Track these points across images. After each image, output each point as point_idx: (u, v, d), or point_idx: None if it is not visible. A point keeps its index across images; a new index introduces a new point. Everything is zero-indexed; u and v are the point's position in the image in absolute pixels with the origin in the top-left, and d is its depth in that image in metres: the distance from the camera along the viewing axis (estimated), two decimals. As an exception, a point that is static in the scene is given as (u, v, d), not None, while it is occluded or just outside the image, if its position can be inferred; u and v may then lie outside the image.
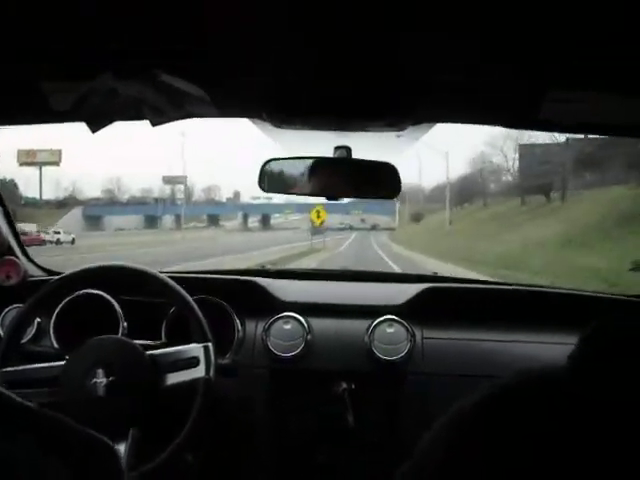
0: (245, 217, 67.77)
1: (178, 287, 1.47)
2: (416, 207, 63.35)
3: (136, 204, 57.84)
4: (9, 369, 1.42)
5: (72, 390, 1.35)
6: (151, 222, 57.47)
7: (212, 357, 1.38)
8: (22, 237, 2.09)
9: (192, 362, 1.38)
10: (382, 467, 1.69)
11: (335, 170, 1.47)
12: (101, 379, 1.33)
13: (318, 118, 1.34)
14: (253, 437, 1.76)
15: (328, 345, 1.79)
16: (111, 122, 1.33)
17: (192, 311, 1.44)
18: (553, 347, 1.74)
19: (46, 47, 1.00)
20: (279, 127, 1.35)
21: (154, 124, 1.33)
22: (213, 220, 67.01)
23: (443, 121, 1.44)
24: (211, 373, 1.37)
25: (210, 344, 1.40)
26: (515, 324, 1.83)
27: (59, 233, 29.86)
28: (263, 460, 1.77)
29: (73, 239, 29.40)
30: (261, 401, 1.76)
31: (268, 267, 2.24)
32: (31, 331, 1.78)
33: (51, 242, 27.49)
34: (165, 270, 1.74)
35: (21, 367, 1.44)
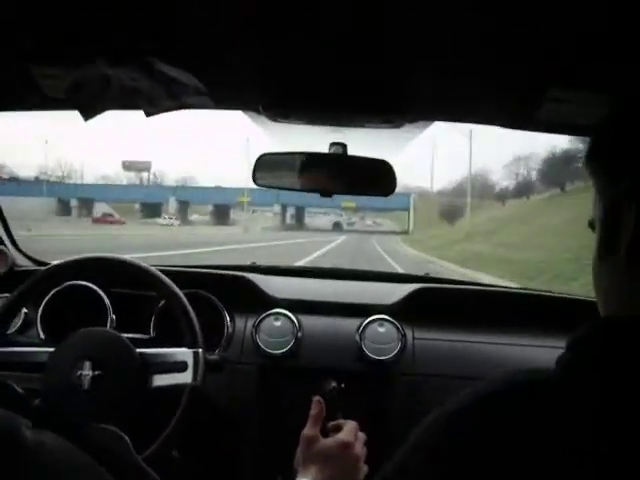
0: (183, 205, 61.94)
1: (170, 282, 1.44)
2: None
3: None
4: None
5: (57, 379, 1.32)
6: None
7: (201, 363, 1.35)
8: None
9: (180, 366, 1.35)
10: (370, 468, 1.69)
11: (330, 166, 1.46)
12: (87, 371, 1.30)
13: (315, 112, 1.32)
14: (240, 434, 1.75)
15: (318, 343, 1.77)
16: (103, 110, 1.31)
17: (185, 312, 1.40)
18: (545, 350, 1.75)
19: (39, 30, 0.97)
20: (275, 121, 1.33)
21: (148, 114, 1.32)
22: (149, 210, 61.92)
23: (441, 119, 1.43)
24: (198, 380, 1.34)
25: (200, 350, 1.36)
26: (508, 327, 1.83)
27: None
28: (250, 457, 1.75)
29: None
30: (249, 398, 1.74)
31: (258, 264, 2.20)
32: (17, 322, 1.76)
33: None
34: (155, 264, 1.72)
35: (8, 349, 1.42)
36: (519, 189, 48.98)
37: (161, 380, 1.34)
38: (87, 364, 1.31)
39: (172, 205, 61.86)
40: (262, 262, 2.23)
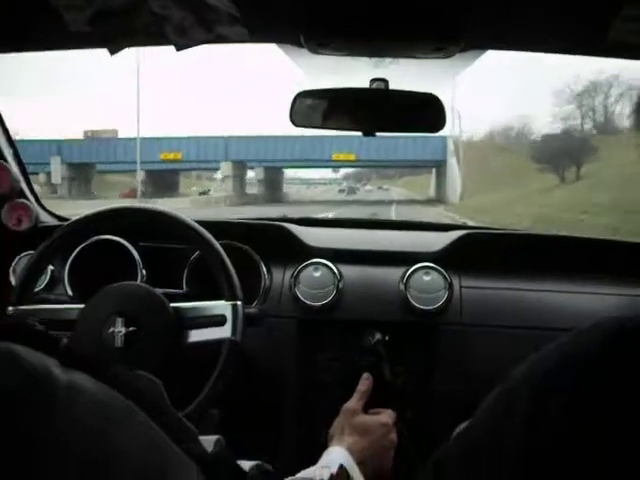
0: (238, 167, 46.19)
1: (206, 232, 1.36)
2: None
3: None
4: (22, 307, 1.33)
5: (88, 337, 1.26)
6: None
7: (240, 317, 1.28)
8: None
9: (218, 320, 1.28)
10: (419, 420, 1.62)
11: (372, 102, 1.37)
12: (120, 328, 1.24)
13: (357, 41, 1.22)
14: (280, 389, 1.68)
15: (360, 293, 1.68)
16: (130, 45, 1.22)
17: (222, 262, 1.32)
18: (601, 298, 1.67)
19: None
20: (315, 52, 1.23)
21: (178, 48, 1.22)
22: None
23: (495, 47, 1.31)
24: (238, 334, 1.27)
25: (240, 303, 1.29)
26: (559, 273, 1.73)
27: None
28: (291, 414, 1.69)
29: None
30: (289, 352, 1.67)
31: (291, 216, 2.11)
32: (44, 279, 1.70)
33: None
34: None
35: (35, 306, 1.36)
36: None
37: (198, 335, 1.28)
38: (119, 320, 1.24)
39: (225, 168, 46.78)
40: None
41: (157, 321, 1.27)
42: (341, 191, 77.72)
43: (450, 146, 42.74)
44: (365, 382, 1.28)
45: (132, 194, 43.55)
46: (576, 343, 0.54)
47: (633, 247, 1.78)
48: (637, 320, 0.52)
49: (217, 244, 1.35)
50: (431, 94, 1.33)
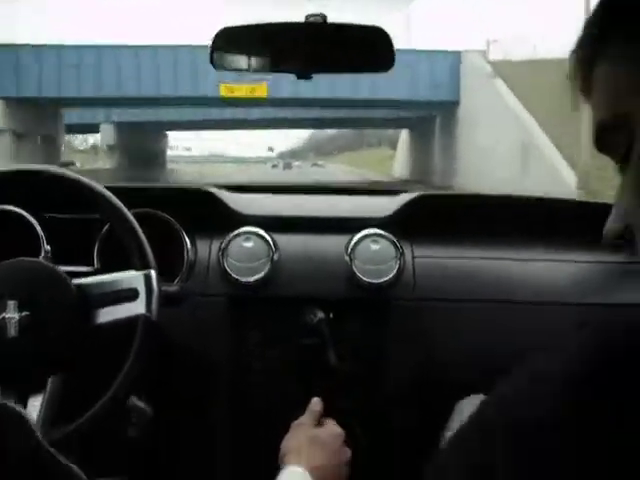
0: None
1: (111, 196, 1.17)
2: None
3: None
4: None
5: None
6: None
7: (154, 288, 1.11)
8: None
9: (129, 294, 1.11)
10: (370, 407, 1.46)
11: (308, 38, 1.16)
12: (12, 314, 1.03)
13: None
14: (210, 378, 1.50)
15: (299, 266, 1.49)
16: None
17: (131, 229, 1.15)
18: (564, 265, 1.53)
19: None
20: None
21: None
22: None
23: None
24: (153, 308, 1.10)
25: (152, 271, 1.12)
26: (520, 240, 1.57)
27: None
28: (223, 403, 1.50)
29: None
30: (219, 335, 1.47)
31: (222, 183, 1.89)
32: None
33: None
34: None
35: None
36: None
37: (107, 314, 1.10)
38: (11, 304, 1.03)
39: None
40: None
41: (57, 301, 1.08)
42: (274, 166, 74.33)
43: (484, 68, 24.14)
44: (317, 404, 1.19)
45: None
46: (550, 361, 0.48)
47: (595, 208, 1.63)
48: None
49: (125, 210, 1.17)
50: (376, 26, 1.14)
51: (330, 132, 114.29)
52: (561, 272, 1.53)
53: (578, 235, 1.54)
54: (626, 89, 0.45)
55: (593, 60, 0.48)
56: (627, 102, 0.45)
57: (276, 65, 1.20)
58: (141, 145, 49.62)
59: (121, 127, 44.05)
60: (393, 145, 70.68)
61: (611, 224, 0.49)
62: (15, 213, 1.48)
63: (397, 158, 51.32)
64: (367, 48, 1.17)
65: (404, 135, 47.42)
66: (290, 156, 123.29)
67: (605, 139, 0.49)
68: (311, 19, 1.13)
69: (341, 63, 1.21)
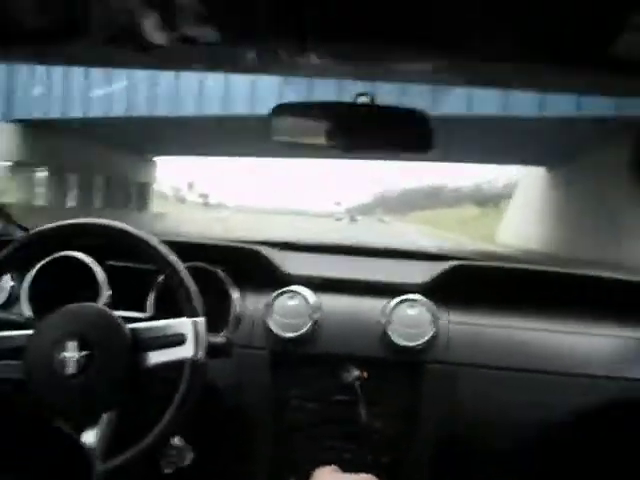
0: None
1: (166, 249, 1.26)
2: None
3: None
4: None
5: (38, 364, 1.15)
6: None
7: (202, 334, 1.19)
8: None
9: (178, 339, 1.19)
10: (397, 467, 1.50)
11: (357, 118, 1.26)
12: (72, 353, 1.13)
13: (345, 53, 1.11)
14: (250, 426, 1.56)
15: (339, 326, 1.56)
16: None
17: (181, 280, 1.23)
18: (604, 340, 1.56)
19: None
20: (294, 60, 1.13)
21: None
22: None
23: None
24: (200, 353, 1.17)
25: (201, 319, 1.20)
26: (556, 312, 1.61)
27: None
28: (262, 452, 1.56)
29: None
30: (260, 387, 1.54)
31: (271, 239, 1.98)
32: (2, 297, 1.59)
33: None
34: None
35: None
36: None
37: (158, 357, 1.18)
38: (71, 345, 1.13)
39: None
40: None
41: (112, 343, 1.16)
42: (338, 220, 67.78)
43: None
44: None
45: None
46: None
47: (634, 286, 1.66)
48: None
49: (178, 263, 1.26)
50: (417, 110, 1.24)
51: (402, 186, 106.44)
52: (596, 345, 1.55)
53: (613, 309, 1.58)
54: None
55: None
56: None
57: (328, 141, 1.29)
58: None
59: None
60: (479, 203, 62.91)
61: None
62: (79, 259, 1.61)
63: (509, 218, 36.49)
64: (409, 130, 1.25)
65: (528, 183, 31.68)
66: (358, 211, 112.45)
67: None
68: (360, 99, 1.24)
69: (386, 143, 1.30)
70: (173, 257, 1.25)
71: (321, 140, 1.29)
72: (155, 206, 39.94)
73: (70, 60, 1.28)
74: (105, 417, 1.15)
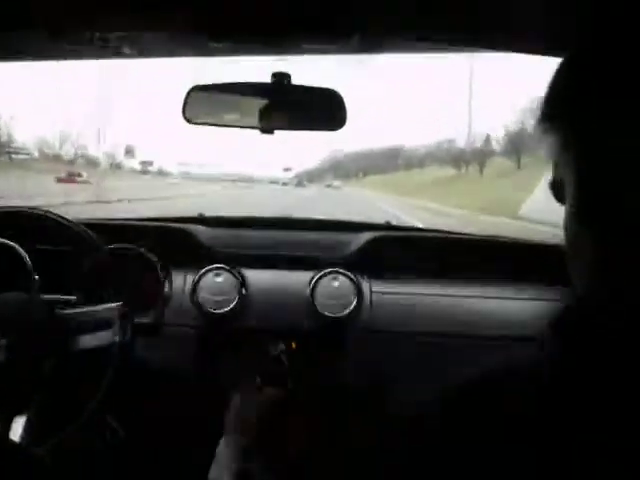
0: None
1: (91, 235, 1.29)
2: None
3: None
4: None
5: None
6: None
7: (128, 318, 1.24)
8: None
9: (105, 324, 1.22)
10: (326, 436, 1.55)
11: (272, 98, 1.29)
12: None
13: (251, 36, 1.13)
14: (180, 401, 1.59)
15: (265, 300, 1.60)
16: None
17: (106, 266, 1.28)
18: (512, 303, 1.63)
19: None
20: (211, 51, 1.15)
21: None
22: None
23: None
24: (127, 336, 1.22)
25: (126, 303, 1.25)
26: (473, 278, 1.68)
27: None
28: (193, 429, 1.59)
29: None
30: (189, 363, 1.57)
31: (202, 215, 1.99)
32: None
33: None
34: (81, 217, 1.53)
35: None
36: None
37: (85, 341, 1.21)
38: None
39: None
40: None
41: (39, 328, 1.19)
42: (284, 185, 64.53)
43: None
44: None
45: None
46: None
47: (547, 249, 1.74)
48: None
49: (102, 246, 1.30)
50: (331, 89, 1.27)
51: (357, 149, 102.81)
52: (514, 308, 1.62)
53: (530, 273, 1.65)
54: None
55: None
56: None
57: (243, 121, 1.31)
58: None
59: None
60: (441, 165, 55.25)
61: None
62: (6, 245, 1.59)
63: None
64: (324, 108, 1.28)
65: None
66: (308, 178, 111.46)
67: None
68: (275, 79, 1.26)
69: (301, 122, 1.33)
70: (95, 240, 1.29)
71: (237, 120, 1.31)
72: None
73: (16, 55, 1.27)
74: (36, 401, 1.17)
